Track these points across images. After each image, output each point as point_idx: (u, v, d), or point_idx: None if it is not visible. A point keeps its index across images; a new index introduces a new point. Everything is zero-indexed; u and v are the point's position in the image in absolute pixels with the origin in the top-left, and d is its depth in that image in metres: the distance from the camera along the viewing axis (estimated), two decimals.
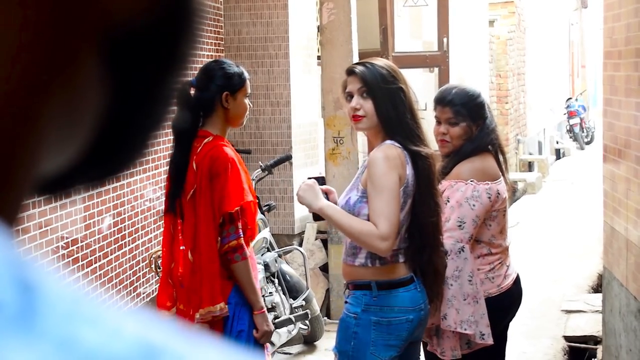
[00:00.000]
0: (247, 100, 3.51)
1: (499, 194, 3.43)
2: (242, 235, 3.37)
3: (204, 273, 3.37)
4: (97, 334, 0.30)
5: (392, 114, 3.07)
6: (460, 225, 3.33)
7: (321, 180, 3.33)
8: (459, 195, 3.36)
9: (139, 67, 0.40)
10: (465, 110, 3.46)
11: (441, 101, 3.52)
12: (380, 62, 3.20)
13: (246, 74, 3.54)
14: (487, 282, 3.48)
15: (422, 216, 3.09)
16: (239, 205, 3.34)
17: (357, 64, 3.23)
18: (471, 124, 3.47)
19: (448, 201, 3.36)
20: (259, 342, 3.48)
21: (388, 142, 3.06)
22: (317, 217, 3.32)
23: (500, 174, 3.50)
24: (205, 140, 3.38)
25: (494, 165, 3.48)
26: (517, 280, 3.64)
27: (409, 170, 3.05)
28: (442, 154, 3.58)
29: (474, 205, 3.35)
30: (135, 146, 0.42)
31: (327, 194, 3.28)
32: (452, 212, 3.34)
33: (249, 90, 3.52)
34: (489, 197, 3.39)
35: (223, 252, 3.37)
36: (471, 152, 3.45)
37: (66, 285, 0.31)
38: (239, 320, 3.43)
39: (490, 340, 3.40)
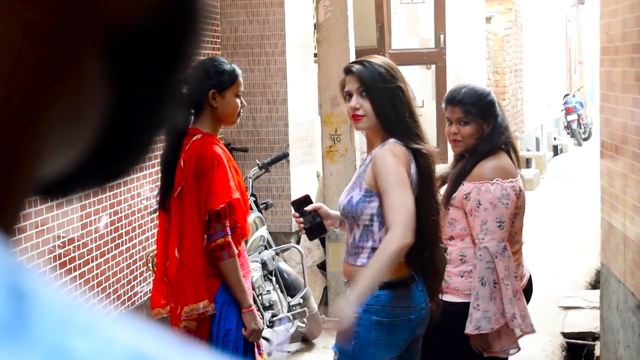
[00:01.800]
0: (239, 99, 3.50)
1: (521, 190, 3.47)
2: (229, 233, 3.38)
3: (188, 271, 3.38)
4: (89, 343, 0.29)
5: (390, 113, 3.07)
6: (500, 226, 3.37)
7: (307, 199, 3.34)
8: (490, 197, 3.38)
9: (143, 69, 0.39)
10: (476, 109, 3.47)
11: (451, 101, 3.53)
12: (378, 60, 3.18)
13: (238, 72, 3.52)
14: None
15: (423, 214, 3.09)
16: (224, 202, 3.34)
17: (354, 62, 3.21)
18: (482, 122, 3.48)
19: (479, 204, 3.37)
20: (248, 340, 3.48)
21: (391, 140, 3.06)
22: (311, 235, 3.34)
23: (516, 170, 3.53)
24: (194, 138, 3.39)
25: (511, 163, 3.51)
26: (530, 280, 3.68)
27: (412, 169, 3.05)
28: (455, 154, 3.60)
29: (507, 204, 3.39)
30: (139, 148, 0.42)
31: (316, 211, 3.29)
32: (487, 214, 3.37)
33: (240, 89, 3.50)
34: (516, 194, 3.43)
35: (210, 249, 3.37)
36: (488, 151, 3.46)
37: (60, 293, 0.31)
38: (226, 319, 3.44)
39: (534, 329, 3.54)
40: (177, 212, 3.39)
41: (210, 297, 3.39)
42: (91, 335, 0.30)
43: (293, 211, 3.35)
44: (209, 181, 3.33)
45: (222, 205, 3.33)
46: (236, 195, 3.37)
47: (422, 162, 3.07)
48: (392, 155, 3.00)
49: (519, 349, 3.52)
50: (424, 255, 3.12)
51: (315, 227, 3.31)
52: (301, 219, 3.30)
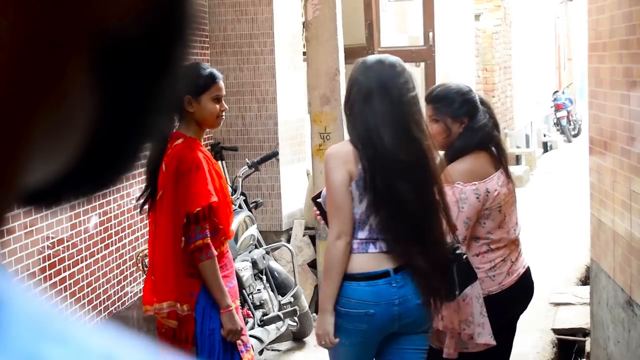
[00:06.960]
0: (219, 103, 3.52)
1: (488, 192, 3.41)
2: (208, 235, 3.43)
3: (159, 271, 3.46)
4: (63, 351, 0.29)
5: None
6: None
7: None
8: (448, 200, 3.37)
9: (131, 77, 0.38)
10: (445, 109, 3.48)
11: (426, 99, 3.58)
12: None
13: (216, 76, 3.53)
14: (488, 281, 3.47)
15: (414, 210, 3.09)
16: (201, 206, 3.39)
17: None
18: (452, 122, 3.47)
19: None
20: (227, 340, 3.51)
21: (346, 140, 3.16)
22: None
23: (493, 170, 3.47)
24: (176, 142, 3.45)
25: (484, 164, 3.46)
26: (524, 275, 3.61)
27: (360, 166, 3.07)
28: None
29: (462, 208, 3.37)
30: (127, 158, 0.41)
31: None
32: None
33: (219, 93, 3.52)
34: (478, 197, 3.39)
35: (189, 251, 3.43)
36: (460, 151, 3.44)
37: (36, 300, 0.31)
38: (210, 319, 3.50)
39: (492, 341, 3.41)
40: (160, 214, 3.45)
41: (185, 297, 3.45)
42: (66, 343, 0.29)
43: (314, 209, 3.46)
44: (187, 184, 3.38)
45: (199, 208, 3.37)
46: (214, 198, 3.42)
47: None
48: (328, 158, 3.18)
49: (493, 345, 3.46)
50: (407, 253, 3.11)
51: None
52: (321, 216, 3.40)
